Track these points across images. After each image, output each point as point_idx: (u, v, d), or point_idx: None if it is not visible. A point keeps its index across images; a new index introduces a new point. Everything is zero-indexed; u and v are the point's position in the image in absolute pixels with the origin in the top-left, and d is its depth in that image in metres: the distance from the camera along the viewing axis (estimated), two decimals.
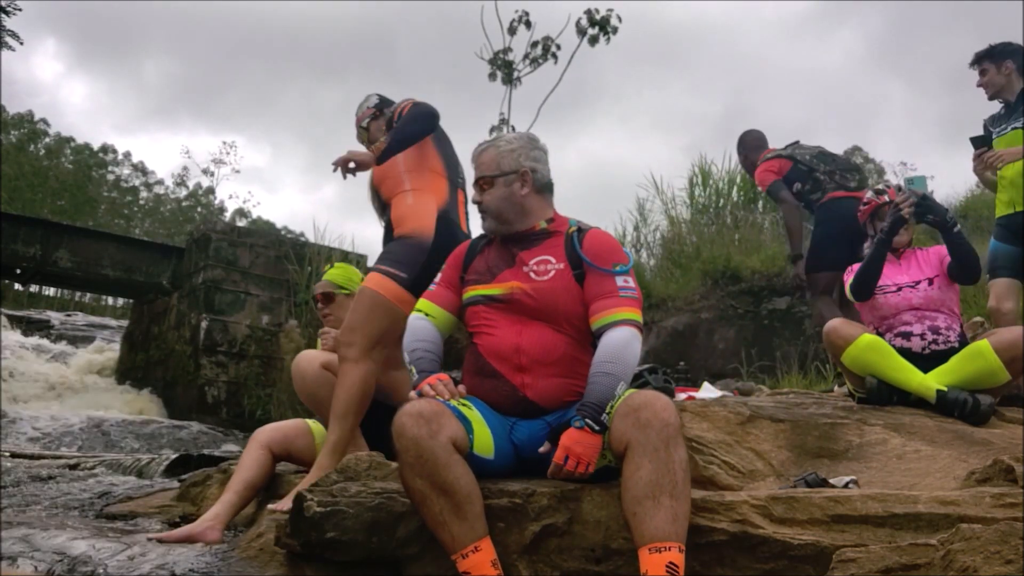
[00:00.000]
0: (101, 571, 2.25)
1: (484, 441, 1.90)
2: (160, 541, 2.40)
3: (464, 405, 1.93)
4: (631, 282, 2.06)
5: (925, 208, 2.96)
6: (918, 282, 3.11)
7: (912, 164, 16.02)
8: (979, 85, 3.85)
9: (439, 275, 2.27)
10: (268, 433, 2.86)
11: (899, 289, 3.13)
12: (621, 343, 1.94)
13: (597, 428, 1.82)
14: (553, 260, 2.10)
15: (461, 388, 2.02)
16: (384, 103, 3.12)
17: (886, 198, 3.28)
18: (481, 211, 2.20)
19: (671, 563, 1.63)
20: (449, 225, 2.60)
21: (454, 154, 2.89)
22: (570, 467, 1.82)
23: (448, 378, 2.01)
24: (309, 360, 2.84)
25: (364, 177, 3.09)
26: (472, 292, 2.16)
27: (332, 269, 3.28)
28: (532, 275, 2.09)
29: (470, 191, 2.35)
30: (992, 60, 3.80)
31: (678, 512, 1.68)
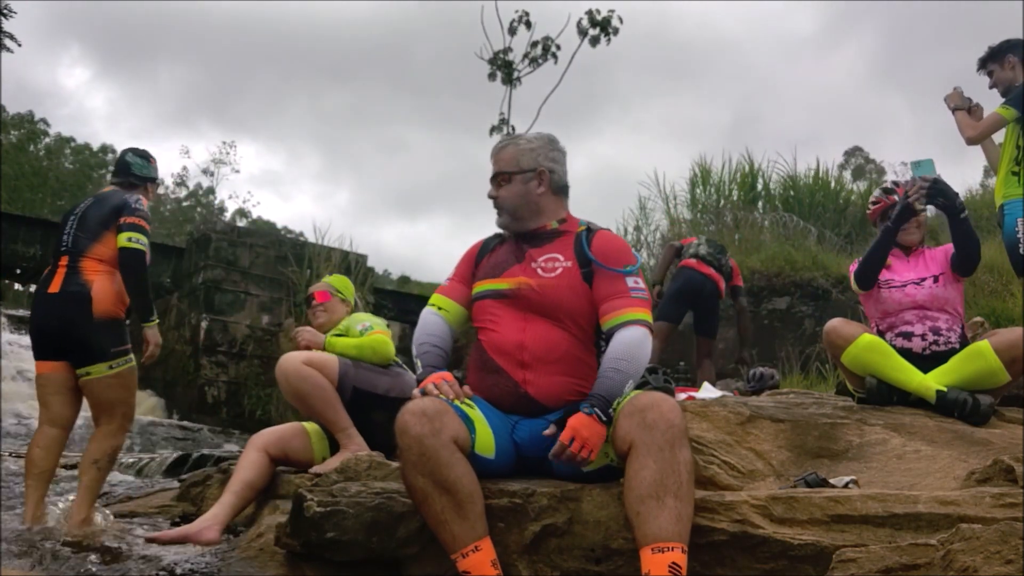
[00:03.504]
0: (102, 571, 2.25)
1: (486, 441, 1.89)
2: (158, 541, 2.40)
3: (467, 404, 1.93)
4: (641, 283, 2.06)
5: (936, 191, 2.90)
6: (924, 279, 3.09)
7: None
8: (991, 87, 3.95)
9: (453, 271, 2.29)
10: (265, 436, 2.93)
11: (905, 285, 3.11)
12: (634, 342, 1.95)
13: (604, 419, 1.83)
14: (561, 258, 2.10)
15: (466, 388, 2.01)
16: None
17: (895, 198, 3.22)
18: (496, 207, 2.20)
19: (674, 563, 1.62)
20: (38, 301, 3.15)
21: (63, 224, 3.22)
22: (574, 449, 1.80)
23: (452, 378, 2.00)
24: (290, 360, 2.95)
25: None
26: (480, 287, 2.17)
27: (330, 277, 3.52)
28: (540, 271, 2.09)
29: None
30: (995, 60, 3.91)
31: (682, 513, 1.67)
